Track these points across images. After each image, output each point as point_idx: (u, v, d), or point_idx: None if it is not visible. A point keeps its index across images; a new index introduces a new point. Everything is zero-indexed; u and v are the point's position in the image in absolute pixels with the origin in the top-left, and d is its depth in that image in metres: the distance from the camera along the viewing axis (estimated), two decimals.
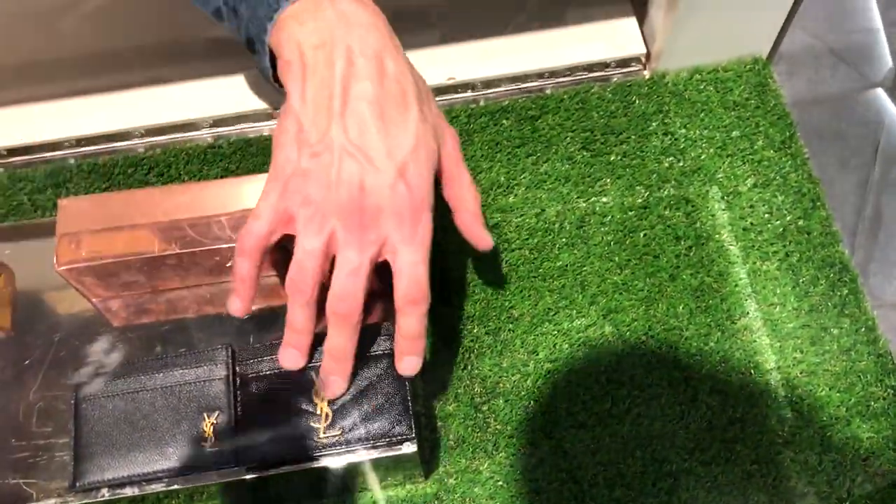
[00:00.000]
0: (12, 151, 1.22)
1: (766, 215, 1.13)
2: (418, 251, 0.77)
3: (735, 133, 1.19)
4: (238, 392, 0.84)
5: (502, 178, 1.17)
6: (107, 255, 0.90)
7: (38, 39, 1.24)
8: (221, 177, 1.19)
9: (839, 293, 1.07)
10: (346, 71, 0.77)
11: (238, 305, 0.81)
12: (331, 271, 0.78)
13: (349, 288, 0.76)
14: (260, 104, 1.23)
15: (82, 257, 0.90)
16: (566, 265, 1.10)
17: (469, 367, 1.04)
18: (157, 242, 0.91)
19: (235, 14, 0.90)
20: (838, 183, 1.42)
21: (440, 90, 1.25)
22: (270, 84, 0.90)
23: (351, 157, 0.76)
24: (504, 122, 1.21)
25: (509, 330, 1.06)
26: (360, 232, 0.76)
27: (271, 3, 0.82)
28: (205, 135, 1.23)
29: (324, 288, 0.79)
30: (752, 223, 1.12)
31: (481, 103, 1.24)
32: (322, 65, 0.78)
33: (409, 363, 0.80)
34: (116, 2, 1.22)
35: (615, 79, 1.25)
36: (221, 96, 1.24)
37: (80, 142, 1.22)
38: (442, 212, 0.84)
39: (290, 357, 0.82)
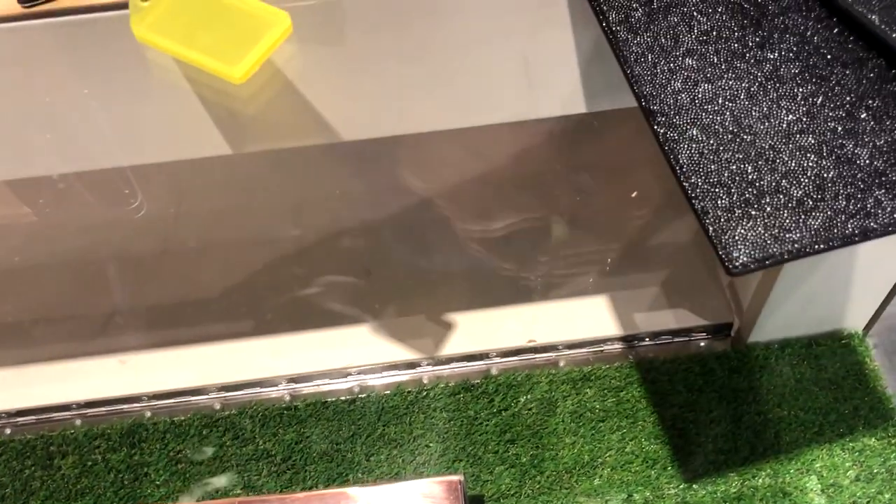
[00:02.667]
0: (89, 404, 1.22)
1: None
2: None
3: (832, 416, 1.13)
4: None
5: (586, 457, 1.12)
6: None
7: (114, 293, 1.26)
8: (297, 442, 1.16)
9: None
10: None
11: None
12: None
13: None
14: (336, 363, 1.22)
15: None
16: None
17: None
18: None
19: None
20: None
21: (519, 351, 1.22)
22: None
23: None
24: (587, 391, 1.18)
25: None
26: None
27: None
28: (282, 391, 1.22)
29: None
30: None
31: (561, 365, 1.21)
32: None
33: None
34: (201, 258, 1.25)
35: (702, 344, 1.22)
36: (299, 354, 1.23)
37: (157, 396, 1.22)
38: None
39: None
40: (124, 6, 0.62)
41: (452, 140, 1.35)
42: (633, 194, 1.34)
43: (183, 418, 1.19)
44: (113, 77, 0.68)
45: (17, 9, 0.63)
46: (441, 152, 1.36)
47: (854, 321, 1.19)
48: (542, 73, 0.72)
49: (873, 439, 1.11)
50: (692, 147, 0.51)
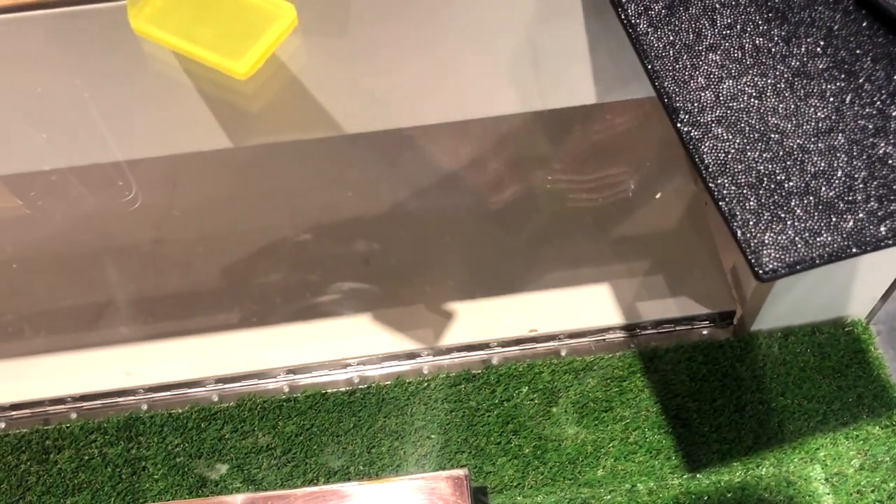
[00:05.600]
0: (84, 397, 1.20)
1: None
2: None
3: (836, 405, 1.12)
4: None
5: (589, 448, 1.11)
6: None
7: (108, 285, 1.24)
8: (297, 434, 1.14)
9: None
10: None
11: None
12: None
13: None
14: (335, 354, 1.20)
15: None
16: None
17: None
18: None
19: None
20: None
21: (521, 341, 1.21)
22: None
23: None
24: (590, 381, 1.17)
25: None
26: None
27: None
28: (280, 382, 1.20)
29: None
30: None
31: (563, 354, 1.20)
32: None
33: None
34: (197, 250, 1.22)
35: (704, 333, 1.21)
36: (296, 345, 1.21)
37: (153, 388, 1.20)
38: None
39: None
40: None
41: (454, 129, 1.32)
42: (636, 185, 1.33)
43: (181, 411, 1.17)
44: (109, 70, 0.66)
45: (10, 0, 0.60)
46: (442, 142, 1.34)
47: (857, 309, 1.18)
48: (551, 64, 0.70)
49: (877, 428, 1.10)
50: (717, 146, 0.49)
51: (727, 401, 1.13)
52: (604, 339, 1.21)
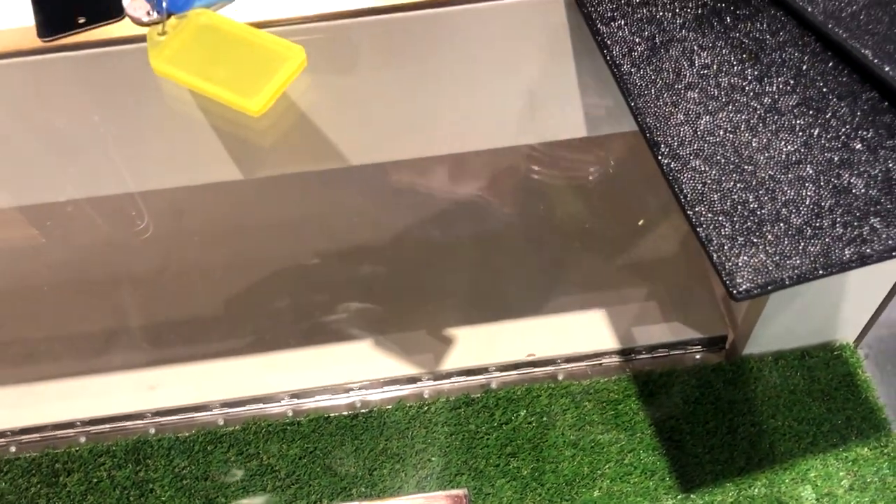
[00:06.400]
0: (93, 421, 1.23)
1: None
2: None
3: (825, 427, 1.15)
4: None
5: (586, 469, 1.14)
6: None
7: (118, 312, 1.28)
8: (300, 457, 1.17)
9: None
10: None
11: None
12: None
13: None
14: (337, 378, 1.23)
15: None
16: None
17: None
18: None
19: None
20: None
21: (519, 366, 1.24)
22: None
23: None
24: (586, 404, 1.20)
25: None
26: None
27: None
28: (284, 406, 1.23)
29: None
30: None
31: (560, 378, 1.23)
32: None
33: None
34: (204, 277, 1.26)
35: (697, 357, 1.24)
36: (300, 370, 1.25)
37: (161, 412, 1.23)
38: None
39: None
40: (142, 40, 0.64)
41: (453, 160, 1.37)
42: (630, 213, 1.37)
43: (187, 434, 1.20)
44: (129, 107, 0.70)
45: (38, 42, 0.64)
46: (442, 171, 1.38)
47: (845, 333, 1.22)
48: (545, 100, 0.75)
49: (866, 449, 1.13)
50: (695, 177, 0.53)
51: (720, 423, 1.16)
52: (600, 364, 1.25)
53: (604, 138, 1.38)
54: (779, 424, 1.16)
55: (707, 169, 0.53)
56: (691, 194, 0.53)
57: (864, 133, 0.54)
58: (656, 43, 0.58)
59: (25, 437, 1.22)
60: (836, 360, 1.21)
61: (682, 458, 1.14)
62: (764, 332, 1.18)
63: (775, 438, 1.15)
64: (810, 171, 0.53)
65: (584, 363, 1.25)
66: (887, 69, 0.54)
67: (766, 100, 0.56)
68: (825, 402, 1.18)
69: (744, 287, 0.49)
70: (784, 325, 1.18)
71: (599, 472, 1.14)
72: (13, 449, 1.21)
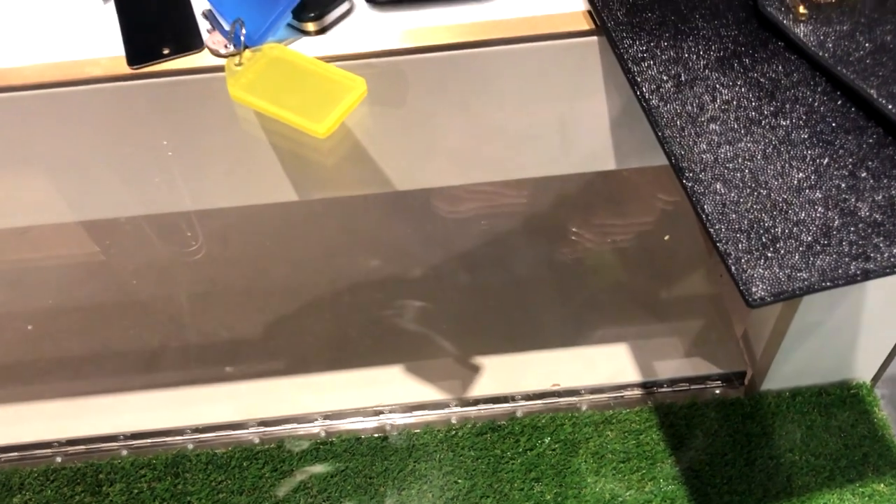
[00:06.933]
0: (135, 435, 1.29)
1: None
2: None
3: (842, 462, 1.19)
4: None
5: (607, 496, 1.18)
6: None
7: (162, 331, 1.35)
8: (332, 475, 1.22)
9: None
10: None
11: None
12: None
13: None
14: (369, 401, 1.29)
15: None
16: None
17: None
18: None
19: None
20: None
21: (544, 395, 1.29)
22: None
23: None
24: (608, 433, 1.24)
25: None
26: None
27: None
28: (317, 427, 1.29)
29: None
30: None
31: (583, 408, 1.28)
32: None
33: None
34: (245, 298, 1.33)
35: (717, 391, 1.28)
36: (333, 392, 1.30)
37: (199, 429, 1.29)
38: None
39: None
40: (220, 69, 0.72)
41: (482, 192, 1.44)
42: (656, 255, 1.42)
43: (224, 451, 1.26)
44: (199, 130, 0.78)
45: (127, 69, 0.72)
46: (471, 202, 1.45)
47: (862, 372, 1.25)
48: (577, 133, 0.81)
49: (882, 485, 1.16)
50: (716, 199, 0.59)
51: (738, 455, 1.20)
52: (622, 396, 1.29)
53: (631, 173, 1.45)
54: (796, 459, 1.19)
55: (727, 191, 0.59)
56: (713, 214, 0.59)
57: (870, 163, 0.60)
58: (682, 81, 0.65)
59: (71, 449, 1.28)
60: (853, 398, 1.25)
61: (701, 489, 1.18)
62: (781, 369, 1.22)
63: (793, 472, 1.18)
64: (820, 196, 0.59)
65: (606, 394, 1.29)
66: (891, 107, 0.61)
67: (781, 132, 0.62)
68: (842, 439, 1.21)
69: (758, 295, 0.55)
70: (801, 362, 1.22)
71: (620, 499, 1.18)
72: (59, 459, 1.27)
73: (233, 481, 1.23)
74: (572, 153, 0.82)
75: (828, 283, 0.55)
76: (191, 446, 1.28)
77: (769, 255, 0.57)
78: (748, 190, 0.60)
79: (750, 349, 1.29)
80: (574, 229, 1.44)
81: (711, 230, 0.58)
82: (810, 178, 0.60)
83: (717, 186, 0.60)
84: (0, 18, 0.76)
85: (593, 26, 0.73)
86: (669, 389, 1.29)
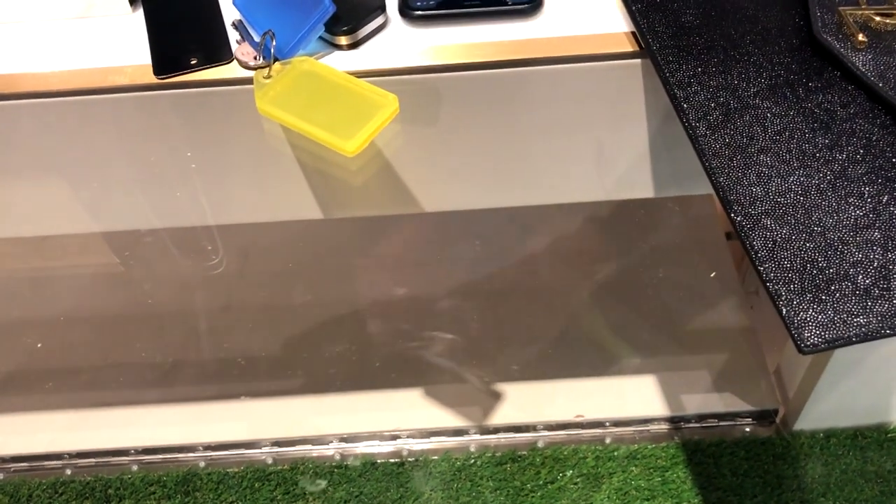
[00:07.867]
0: (147, 451, 1.26)
1: None
2: None
3: None
4: None
5: None
6: None
7: (177, 346, 1.32)
8: (346, 500, 1.19)
9: None
10: None
11: None
12: None
13: None
14: (386, 425, 1.25)
15: None
16: None
17: None
18: None
19: None
20: None
21: (567, 426, 1.25)
22: None
23: None
24: (633, 469, 1.20)
25: None
26: None
27: None
28: (332, 449, 1.25)
29: None
30: None
31: (608, 441, 1.23)
32: None
33: None
34: (262, 316, 1.30)
35: (747, 430, 1.24)
36: (349, 414, 1.27)
37: (211, 447, 1.26)
38: None
39: None
40: (247, 81, 0.69)
41: (507, 216, 1.41)
42: (687, 284, 1.38)
43: (236, 470, 1.23)
44: (224, 143, 0.75)
45: (153, 79, 0.70)
46: (495, 227, 1.42)
47: None
48: (616, 159, 0.78)
49: None
50: (766, 235, 0.56)
51: (768, 498, 1.15)
52: (648, 430, 1.25)
53: (660, 202, 1.41)
54: None
55: (777, 228, 0.56)
56: (762, 251, 0.55)
57: None
58: (731, 108, 0.62)
59: (81, 461, 1.26)
60: (891, 442, 1.20)
61: None
62: (816, 408, 1.18)
63: None
64: (878, 236, 0.55)
65: (632, 428, 1.25)
66: None
67: (836, 166, 0.59)
68: (878, 485, 1.16)
69: (812, 341, 0.51)
70: (836, 402, 1.17)
71: None
72: (69, 472, 1.24)
73: (244, 502, 1.20)
74: (609, 179, 0.79)
75: (887, 331, 0.51)
76: (202, 464, 1.25)
77: (823, 297, 0.53)
78: (801, 227, 0.56)
79: (783, 386, 1.24)
80: (603, 256, 1.40)
81: (761, 268, 0.54)
82: (868, 216, 0.56)
83: (767, 222, 0.56)
84: (26, 24, 0.75)
85: (637, 48, 0.70)
86: (697, 425, 1.24)
